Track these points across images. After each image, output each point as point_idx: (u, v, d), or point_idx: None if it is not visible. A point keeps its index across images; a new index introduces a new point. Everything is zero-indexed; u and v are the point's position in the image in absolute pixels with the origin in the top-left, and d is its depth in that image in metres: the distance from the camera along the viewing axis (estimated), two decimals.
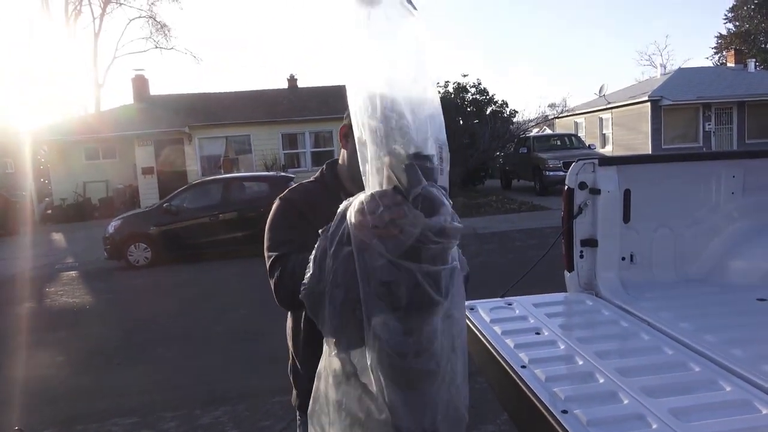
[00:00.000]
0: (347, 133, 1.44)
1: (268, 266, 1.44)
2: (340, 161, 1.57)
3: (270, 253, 1.44)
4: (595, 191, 2.58)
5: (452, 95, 18.01)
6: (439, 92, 17.93)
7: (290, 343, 1.64)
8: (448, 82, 18.20)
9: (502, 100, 18.59)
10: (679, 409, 1.50)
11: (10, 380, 4.89)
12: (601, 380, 1.70)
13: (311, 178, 1.62)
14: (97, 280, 9.28)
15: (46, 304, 7.96)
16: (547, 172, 15.56)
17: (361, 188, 1.17)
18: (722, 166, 2.81)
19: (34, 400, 4.37)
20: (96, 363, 5.19)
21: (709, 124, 20.42)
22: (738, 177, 2.78)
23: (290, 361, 1.67)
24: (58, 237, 14.75)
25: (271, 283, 1.41)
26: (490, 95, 18.40)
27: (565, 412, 1.51)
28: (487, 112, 18.04)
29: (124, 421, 3.87)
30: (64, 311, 7.41)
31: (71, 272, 10.14)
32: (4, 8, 43.44)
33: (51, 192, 18.96)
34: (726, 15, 38.08)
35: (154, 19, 30.93)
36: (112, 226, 10.06)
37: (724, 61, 30.96)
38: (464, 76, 18.74)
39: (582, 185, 2.59)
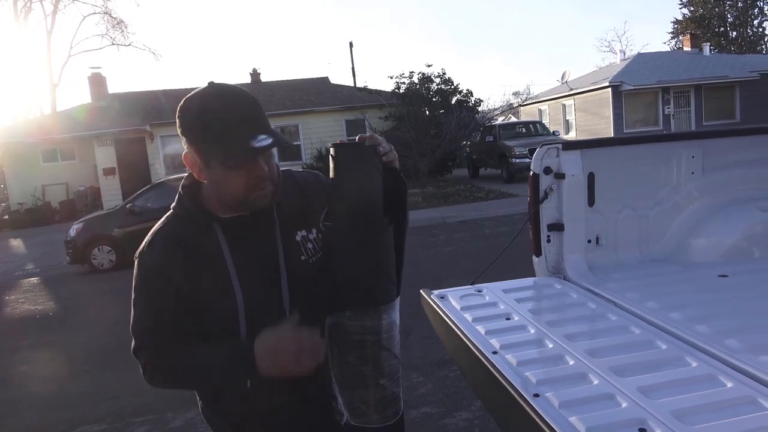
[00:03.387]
0: (199, 161, 1.20)
1: (132, 347, 1.30)
2: (204, 188, 1.28)
3: (136, 340, 1.29)
4: (560, 176, 2.60)
5: (417, 85, 18.00)
6: (404, 83, 18.03)
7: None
8: (413, 72, 18.20)
9: (467, 90, 18.70)
10: (648, 387, 1.52)
11: None
12: (571, 362, 1.71)
13: (170, 210, 1.32)
14: (60, 286, 9.02)
15: (6, 313, 7.70)
16: (514, 160, 15.74)
17: (234, 209, 1.24)
18: (682, 146, 2.85)
19: None
20: (62, 371, 5.04)
21: (668, 108, 20.92)
22: (697, 157, 2.83)
23: (200, 405, 1.45)
24: (16, 243, 14.27)
25: (140, 367, 1.31)
26: (455, 85, 18.46)
27: (536, 395, 1.51)
28: (453, 102, 18.09)
29: (93, 428, 3.77)
30: (25, 319, 7.18)
31: (32, 278, 9.83)
32: None
33: (7, 196, 18.34)
34: (681, 0, 39.01)
35: (110, 15, 30.08)
36: (74, 229, 9.77)
37: (680, 46, 31.71)
38: (428, 66, 18.72)
39: (547, 170, 2.60)
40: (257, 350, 1.17)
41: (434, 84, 18.20)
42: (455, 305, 2.31)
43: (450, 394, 3.67)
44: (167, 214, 1.32)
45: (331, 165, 1.18)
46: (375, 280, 1.16)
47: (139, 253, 1.28)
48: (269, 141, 1.16)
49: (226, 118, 1.15)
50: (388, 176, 1.20)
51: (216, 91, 1.18)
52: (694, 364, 1.64)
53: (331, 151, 1.18)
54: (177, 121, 1.21)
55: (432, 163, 16.48)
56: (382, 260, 1.17)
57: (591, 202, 2.69)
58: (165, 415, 3.84)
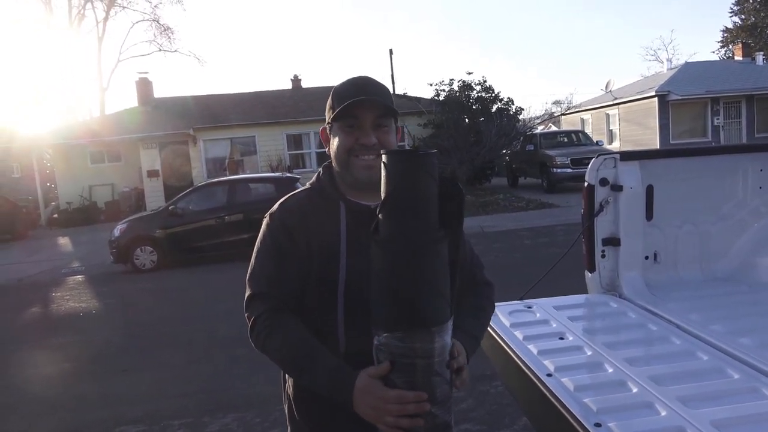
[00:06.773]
0: (327, 131, 1.42)
1: (246, 296, 1.36)
2: (335, 170, 1.43)
3: (252, 287, 1.36)
4: (617, 188, 2.47)
5: (457, 93, 17.86)
6: (444, 90, 17.92)
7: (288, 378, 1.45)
8: (453, 80, 18.07)
9: (508, 98, 18.44)
10: (722, 420, 1.39)
11: (13, 387, 4.82)
12: (635, 389, 1.59)
13: (307, 184, 1.47)
14: (103, 285, 9.22)
15: (51, 309, 7.91)
16: (555, 169, 15.43)
17: (359, 192, 1.34)
18: (748, 159, 2.69)
19: (37, 408, 4.29)
20: (101, 369, 5.11)
21: (717, 119, 20.20)
22: (765, 171, 2.66)
23: (286, 397, 1.46)
24: (64, 241, 14.72)
25: (247, 318, 1.34)
26: (496, 93, 18.25)
27: (598, 425, 1.41)
28: (493, 110, 17.88)
29: (131, 429, 3.78)
30: (69, 316, 7.35)
31: (77, 276, 10.09)
32: (8, 13, 43.63)
33: (57, 196, 18.97)
34: (732, 8, 37.74)
35: (158, 22, 30.99)
36: (118, 229, 10.00)
37: (730, 55, 30.66)
38: (469, 73, 18.52)
39: (603, 181, 2.48)
40: (356, 395, 1.17)
41: (474, 92, 18.03)
42: (504, 321, 2.21)
43: (491, 411, 3.55)
44: (303, 188, 1.47)
45: (383, 173, 1.11)
46: (427, 298, 1.08)
47: (271, 211, 1.41)
48: (364, 98, 1.31)
49: (346, 86, 1.37)
50: (444, 185, 1.13)
51: (352, 77, 1.41)
52: None
53: (384, 158, 1.12)
54: None
55: (471, 171, 16.30)
56: (435, 277, 1.08)
57: (649, 216, 2.55)
58: (202, 419, 3.82)
